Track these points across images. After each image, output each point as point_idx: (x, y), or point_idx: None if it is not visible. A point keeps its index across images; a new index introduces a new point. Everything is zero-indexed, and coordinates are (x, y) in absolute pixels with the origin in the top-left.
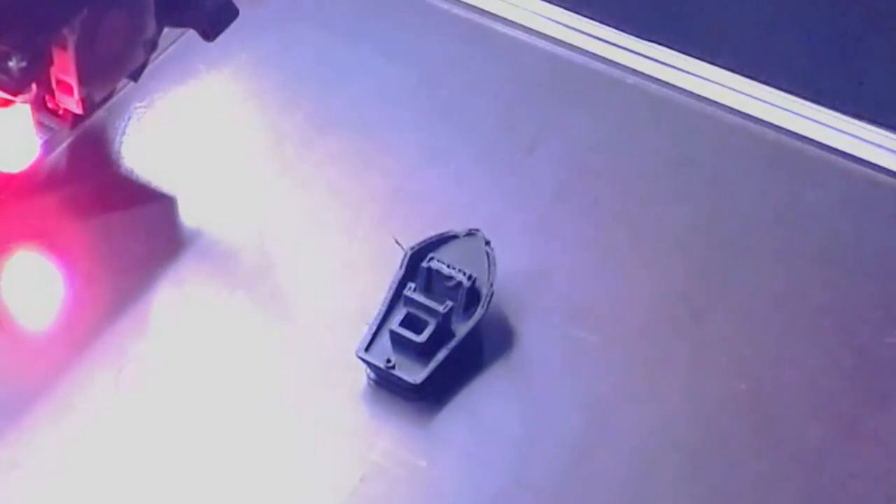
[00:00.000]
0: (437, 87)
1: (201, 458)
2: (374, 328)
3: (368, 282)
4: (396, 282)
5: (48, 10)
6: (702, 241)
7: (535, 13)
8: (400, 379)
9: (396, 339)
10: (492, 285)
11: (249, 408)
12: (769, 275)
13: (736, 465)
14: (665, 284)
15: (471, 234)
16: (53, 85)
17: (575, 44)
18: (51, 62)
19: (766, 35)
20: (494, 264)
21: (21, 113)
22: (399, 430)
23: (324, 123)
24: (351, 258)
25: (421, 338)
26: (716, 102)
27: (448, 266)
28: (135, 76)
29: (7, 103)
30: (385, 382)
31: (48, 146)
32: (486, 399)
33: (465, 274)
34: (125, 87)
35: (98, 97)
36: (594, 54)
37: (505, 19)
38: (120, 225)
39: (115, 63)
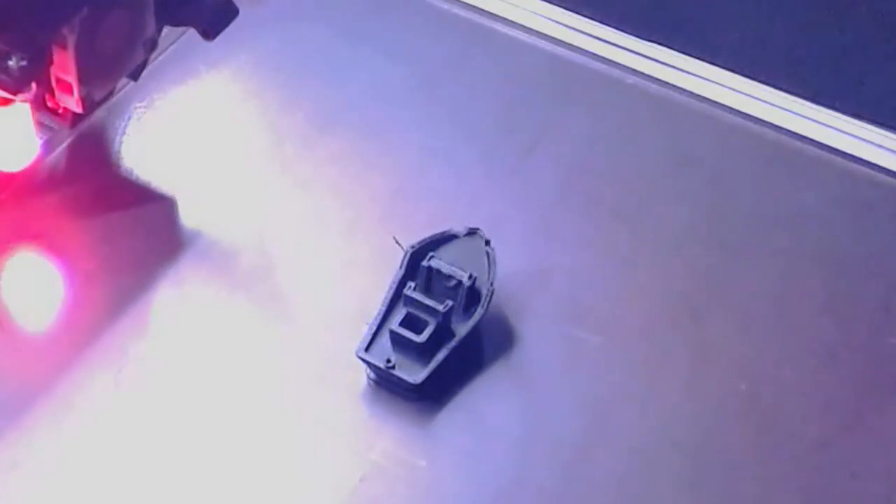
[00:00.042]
0: (437, 87)
1: (201, 458)
2: (374, 328)
3: (368, 282)
4: (396, 281)
5: (48, 10)
6: (702, 241)
7: (535, 13)
8: (400, 379)
9: (396, 339)
10: (492, 285)
11: (249, 408)
12: (769, 275)
13: (736, 465)
14: (665, 284)
15: (471, 233)
16: (53, 84)
17: (575, 44)
18: (51, 61)
19: (766, 35)
20: (495, 264)
21: (21, 112)
22: (399, 430)
23: (324, 123)
24: (351, 258)
25: (421, 338)
26: (716, 102)
27: (448, 265)
28: (135, 75)
29: (7, 102)
30: (385, 382)
31: (48, 146)
32: (486, 399)
33: (465, 273)
34: (125, 87)
35: (98, 96)
36: (594, 54)
37: (505, 19)
38: (120, 225)
39: (115, 62)
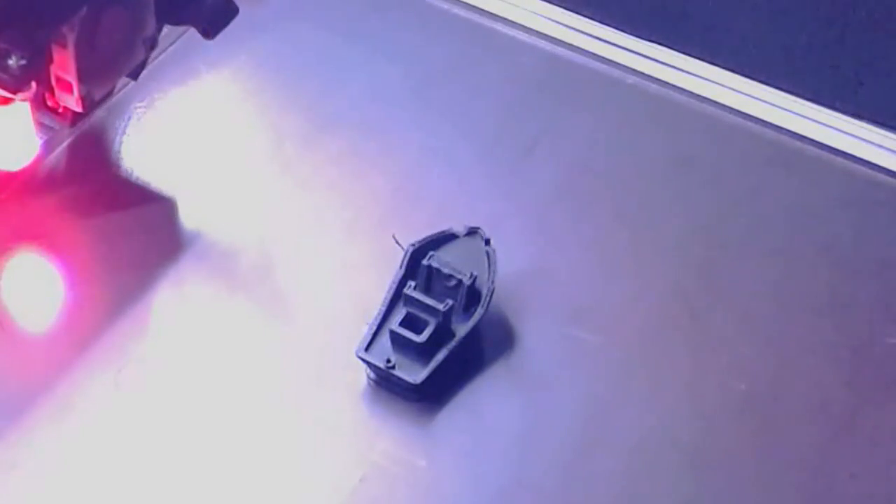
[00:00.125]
0: (437, 87)
1: (201, 458)
2: (374, 328)
3: (368, 282)
4: (396, 281)
5: (48, 8)
6: (702, 241)
7: (535, 13)
8: (400, 379)
9: (396, 339)
10: (492, 284)
11: (249, 408)
12: (769, 275)
13: (736, 465)
14: (665, 284)
15: (471, 233)
16: (53, 83)
17: (575, 44)
18: (50, 60)
19: (766, 35)
20: (495, 263)
21: (21, 111)
22: (399, 430)
23: (324, 123)
24: (351, 258)
25: (421, 338)
26: (716, 102)
27: (448, 265)
28: (134, 74)
29: (7, 101)
30: (385, 382)
31: (48, 146)
32: (486, 399)
33: (465, 273)
34: (125, 86)
35: (98, 95)
36: (594, 54)
37: (505, 19)
38: (120, 225)
39: (115, 61)
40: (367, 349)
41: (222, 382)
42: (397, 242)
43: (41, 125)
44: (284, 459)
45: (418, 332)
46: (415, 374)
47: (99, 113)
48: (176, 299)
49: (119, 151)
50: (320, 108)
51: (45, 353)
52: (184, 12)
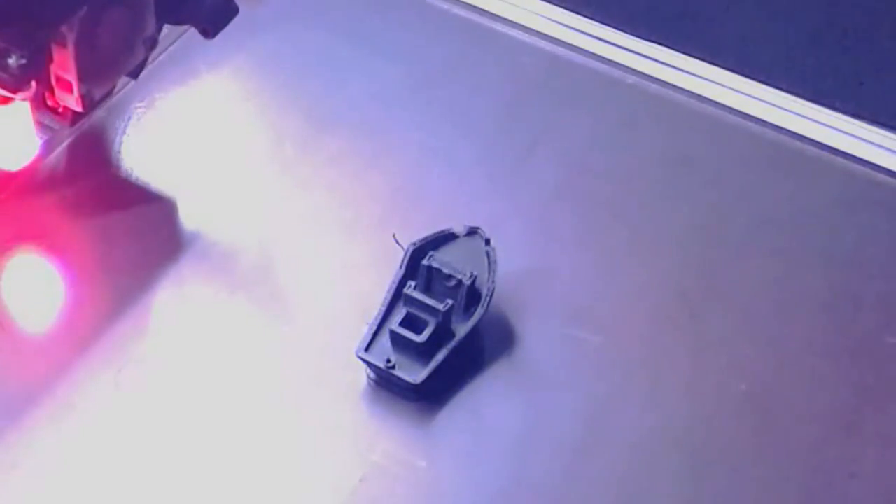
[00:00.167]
0: (437, 87)
1: (201, 458)
2: (374, 328)
3: (368, 282)
4: (397, 281)
5: (48, 8)
6: (702, 241)
7: (535, 13)
8: (400, 379)
9: (396, 339)
10: (492, 284)
11: (249, 408)
12: (769, 275)
13: (736, 465)
14: (665, 284)
15: (471, 233)
16: (53, 82)
17: (575, 44)
18: (50, 59)
19: (766, 35)
20: (495, 263)
21: (20, 110)
22: (399, 430)
23: (324, 123)
24: (351, 258)
25: (421, 338)
26: (716, 102)
27: (448, 265)
28: (134, 74)
29: (6, 101)
30: (385, 382)
31: (48, 146)
32: (486, 399)
33: (465, 272)
34: (125, 86)
35: (98, 94)
36: (594, 54)
37: (505, 19)
38: (120, 225)
39: (115, 60)
40: (367, 349)
41: (222, 382)
42: (397, 242)
43: (41, 125)
44: (284, 459)
45: (418, 332)
46: (415, 374)
47: (99, 113)
48: (176, 299)
49: (119, 151)
50: (320, 108)
51: (45, 353)
52: (184, 12)
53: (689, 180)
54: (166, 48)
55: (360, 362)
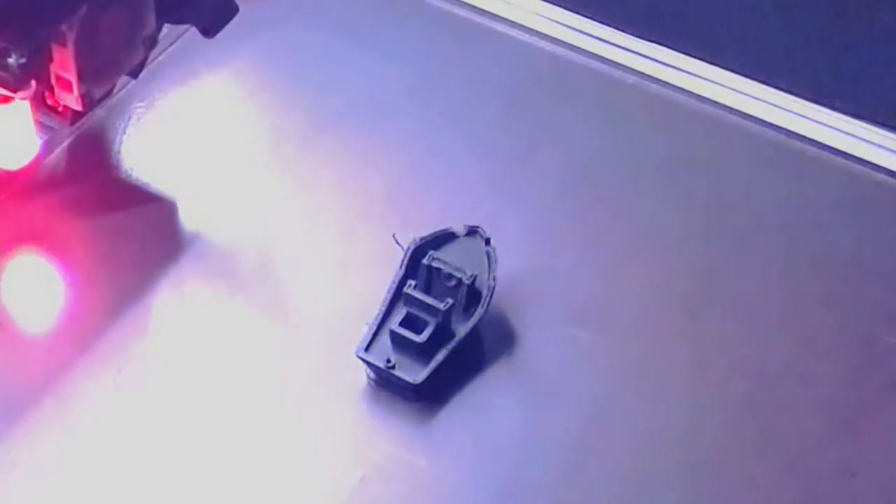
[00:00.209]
0: (436, 87)
1: (201, 458)
2: (374, 328)
3: (368, 282)
4: (397, 281)
5: (48, 7)
6: (701, 241)
7: (535, 13)
8: (400, 379)
9: (396, 339)
10: (492, 284)
11: (249, 408)
12: (769, 275)
13: (736, 465)
14: (665, 284)
15: (471, 232)
16: (53, 81)
17: (575, 44)
18: (50, 58)
19: (766, 35)
20: (495, 263)
21: (20, 110)
22: (399, 430)
23: (324, 123)
24: (351, 258)
25: (421, 338)
26: (716, 102)
27: (448, 264)
28: (134, 73)
29: (6, 100)
30: (385, 382)
31: (48, 146)
32: (486, 399)
33: (465, 272)
34: (125, 86)
35: (98, 94)
36: (594, 54)
37: (505, 19)
38: (120, 225)
39: (115, 60)
40: (367, 349)
41: (222, 382)
42: (397, 242)
43: (41, 125)
44: (284, 459)
45: (418, 331)
46: (415, 374)
47: (99, 113)
48: (176, 299)
49: (119, 151)
50: (320, 108)
51: (45, 353)
52: (184, 11)
53: (689, 180)
54: (166, 48)
55: (360, 362)
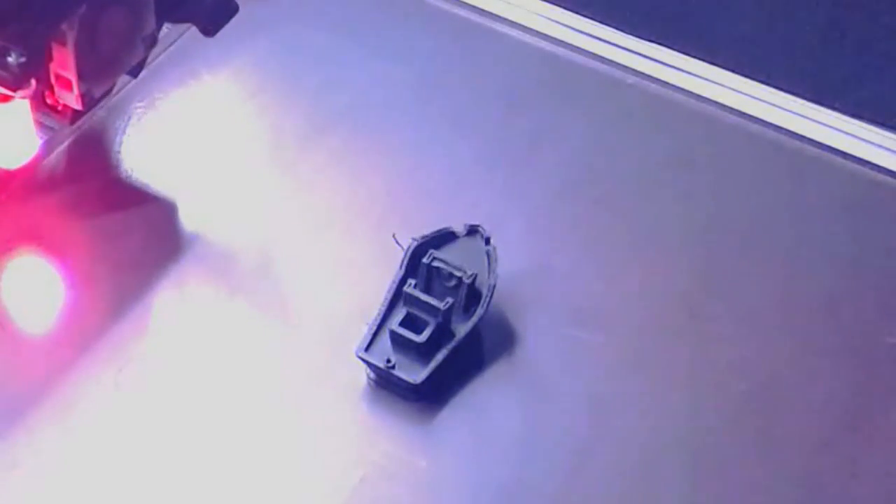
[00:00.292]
0: (436, 86)
1: (201, 458)
2: (374, 328)
3: (368, 282)
4: (397, 281)
5: (48, 6)
6: (702, 241)
7: (535, 13)
8: (400, 379)
9: (396, 339)
10: (492, 284)
11: (249, 408)
12: (769, 275)
13: (736, 466)
14: (665, 284)
15: (471, 232)
16: (53, 81)
17: (575, 44)
18: (50, 58)
19: (766, 35)
20: (495, 263)
21: (20, 109)
22: (399, 430)
23: (324, 123)
24: (351, 258)
25: (421, 338)
26: (716, 102)
27: (448, 264)
28: (134, 72)
29: (6, 99)
30: (385, 382)
31: (48, 146)
32: (486, 399)
33: (465, 271)
34: (125, 86)
35: (97, 93)
36: (594, 54)
37: (505, 19)
38: (120, 225)
39: (115, 59)
40: (367, 349)
41: (222, 382)
42: (397, 242)
43: (41, 124)
44: (284, 459)
45: (418, 331)
46: (415, 374)
47: (99, 113)
48: (176, 299)
49: (119, 151)
50: (320, 108)
51: (45, 353)
52: (184, 10)
53: (689, 180)
54: (166, 48)
55: (360, 362)
